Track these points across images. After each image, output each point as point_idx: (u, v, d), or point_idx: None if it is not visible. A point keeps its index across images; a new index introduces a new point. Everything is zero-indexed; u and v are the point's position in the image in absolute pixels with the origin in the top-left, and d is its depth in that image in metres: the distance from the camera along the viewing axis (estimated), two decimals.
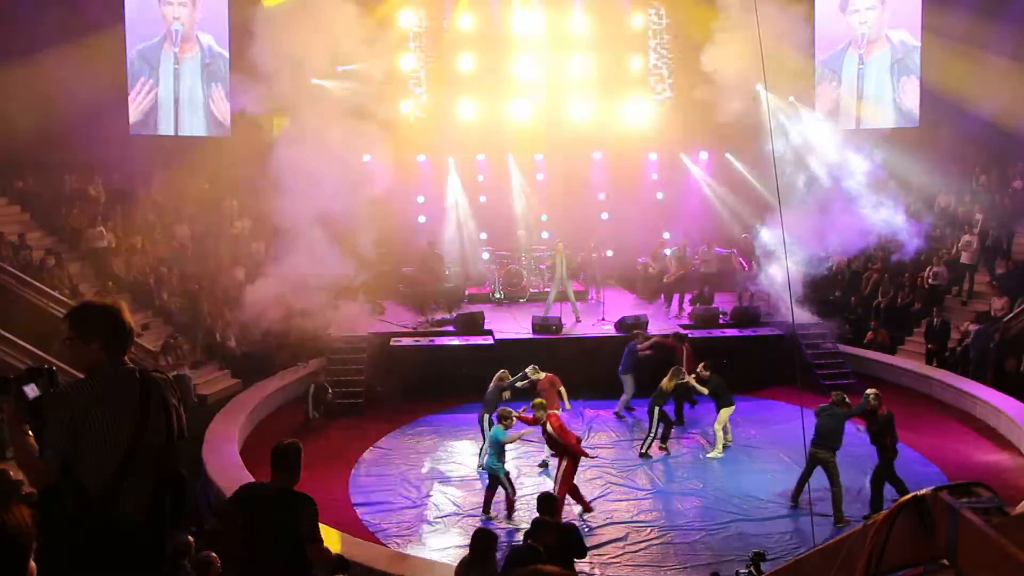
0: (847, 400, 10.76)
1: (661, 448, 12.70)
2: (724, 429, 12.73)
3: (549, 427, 10.32)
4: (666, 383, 12.60)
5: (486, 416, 12.00)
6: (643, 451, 12.54)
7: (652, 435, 12.57)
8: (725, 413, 12.55)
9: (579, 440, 10.76)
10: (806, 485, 10.54)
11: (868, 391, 10.80)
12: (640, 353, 14.10)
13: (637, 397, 14.18)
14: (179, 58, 20.31)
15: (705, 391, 12.65)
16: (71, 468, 3.12)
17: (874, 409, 10.53)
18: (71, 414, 3.12)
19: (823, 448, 10.41)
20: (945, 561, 2.28)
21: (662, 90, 20.44)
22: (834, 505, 10.45)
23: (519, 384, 12.35)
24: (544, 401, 10.82)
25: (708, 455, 12.52)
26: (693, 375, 12.77)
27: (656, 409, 12.55)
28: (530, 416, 10.68)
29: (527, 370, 12.39)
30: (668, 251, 18.51)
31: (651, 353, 14.09)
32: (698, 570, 9.44)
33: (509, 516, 10.49)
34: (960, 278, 17.71)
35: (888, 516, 2.36)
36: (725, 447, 12.66)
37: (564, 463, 10.37)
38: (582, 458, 10.60)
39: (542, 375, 12.30)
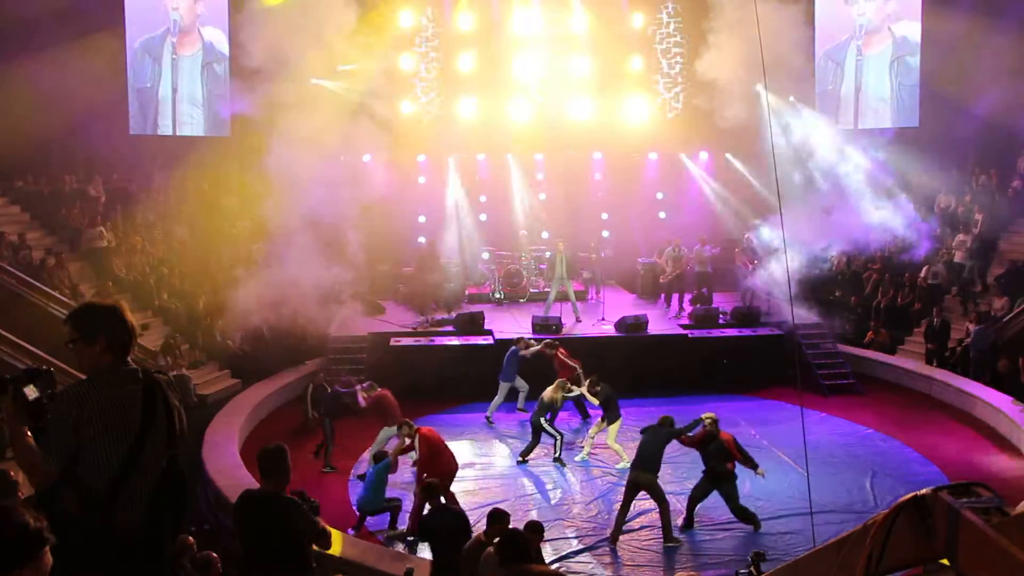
0: (673, 422, 10.39)
1: (556, 460, 12.34)
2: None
3: (416, 447, 10.23)
4: (550, 394, 12.37)
5: (327, 420, 12.21)
6: (556, 457, 12.28)
7: (559, 439, 12.30)
8: (614, 429, 12.23)
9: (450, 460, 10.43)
10: (628, 516, 10.18)
11: (704, 415, 10.39)
12: (525, 356, 13.97)
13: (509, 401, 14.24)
14: (178, 51, 20.30)
15: (597, 401, 12.37)
16: (74, 469, 3.12)
17: (712, 435, 10.15)
18: (74, 415, 3.12)
19: (644, 471, 9.89)
20: (945, 561, 2.28)
21: (673, 95, 20.38)
22: (663, 524, 9.97)
23: (347, 401, 12.23)
24: (408, 420, 10.71)
25: (618, 466, 12.13)
26: (587, 383, 12.50)
27: (541, 421, 12.25)
28: (407, 444, 10.48)
29: (364, 385, 12.13)
30: (668, 250, 18.52)
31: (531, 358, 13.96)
32: (698, 570, 9.44)
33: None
34: (957, 278, 17.71)
35: (888, 516, 2.36)
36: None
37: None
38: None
39: (375, 391, 12.01)
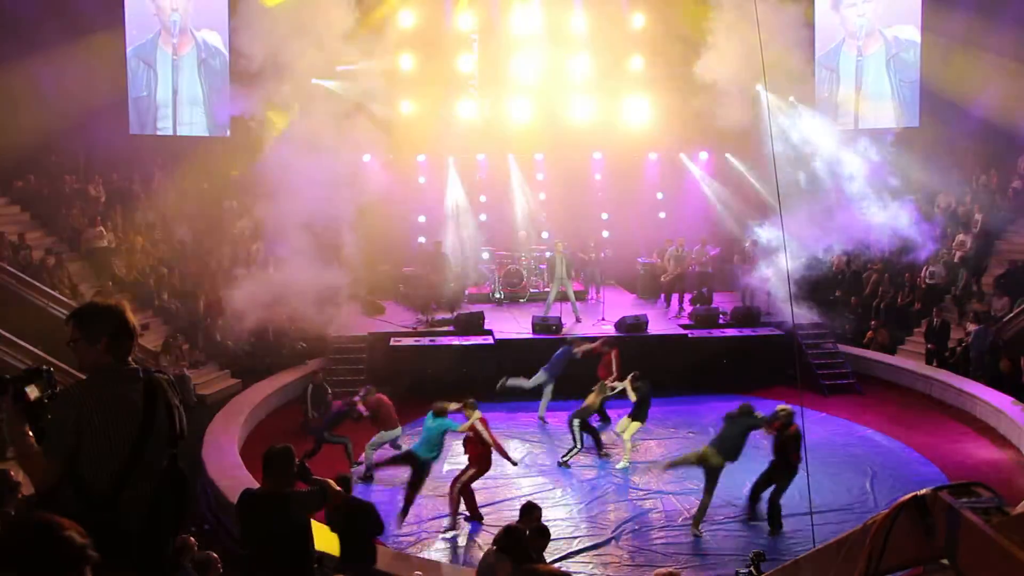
0: (754, 411, 10.49)
1: (603, 455, 12.52)
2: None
3: (479, 427, 10.33)
4: (592, 399, 12.53)
5: (327, 434, 12.21)
6: (563, 460, 12.27)
7: (577, 448, 12.30)
8: (636, 427, 12.31)
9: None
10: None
11: (779, 406, 10.46)
12: (577, 356, 13.92)
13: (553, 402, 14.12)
14: (177, 52, 20.30)
15: (635, 398, 12.36)
16: (74, 468, 3.12)
17: (784, 424, 10.19)
18: (75, 414, 3.12)
19: (717, 454, 10.11)
20: (945, 561, 2.29)
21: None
22: (697, 511, 10.22)
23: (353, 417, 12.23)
24: (472, 401, 10.71)
25: (618, 466, 12.18)
26: (629, 378, 12.54)
27: (576, 422, 12.32)
28: (466, 423, 10.53)
29: (362, 392, 12.16)
30: (670, 250, 18.53)
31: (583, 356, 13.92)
32: (698, 570, 9.45)
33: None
34: (954, 281, 17.71)
35: (888, 516, 2.37)
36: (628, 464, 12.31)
37: (471, 469, 10.42)
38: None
39: (373, 395, 12.02)
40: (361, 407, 12.01)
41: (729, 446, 10.20)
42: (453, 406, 10.63)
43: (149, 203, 19.35)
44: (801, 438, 10.17)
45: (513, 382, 14.03)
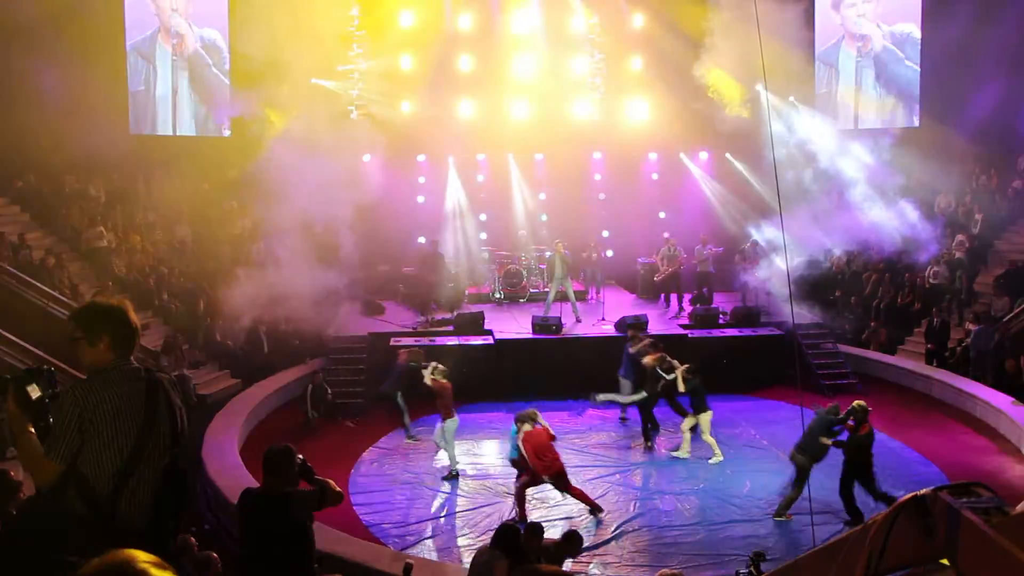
0: (838, 410, 10.60)
1: (648, 447, 12.79)
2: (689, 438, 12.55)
3: (519, 440, 10.31)
4: (649, 361, 12.76)
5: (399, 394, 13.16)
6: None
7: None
8: (707, 420, 12.31)
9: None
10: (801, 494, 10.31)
11: (855, 403, 10.58)
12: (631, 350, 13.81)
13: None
14: (177, 52, 20.31)
15: (683, 388, 12.39)
16: (77, 467, 3.13)
17: (859, 422, 10.33)
18: (78, 413, 3.13)
19: (800, 452, 10.34)
20: (945, 561, 2.29)
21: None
22: (783, 502, 10.50)
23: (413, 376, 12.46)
24: (531, 412, 10.65)
25: (711, 461, 12.26)
26: (683, 368, 12.56)
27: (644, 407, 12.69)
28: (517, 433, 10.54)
29: (438, 366, 12.23)
30: (663, 249, 18.52)
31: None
32: (698, 570, 9.45)
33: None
34: (955, 278, 17.70)
35: (888, 516, 2.37)
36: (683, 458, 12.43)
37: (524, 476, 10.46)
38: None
39: (442, 380, 12.00)
40: (428, 379, 12.02)
41: (808, 444, 10.34)
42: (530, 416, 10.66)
43: (149, 203, 19.35)
44: (871, 437, 10.35)
45: (605, 397, 13.62)
